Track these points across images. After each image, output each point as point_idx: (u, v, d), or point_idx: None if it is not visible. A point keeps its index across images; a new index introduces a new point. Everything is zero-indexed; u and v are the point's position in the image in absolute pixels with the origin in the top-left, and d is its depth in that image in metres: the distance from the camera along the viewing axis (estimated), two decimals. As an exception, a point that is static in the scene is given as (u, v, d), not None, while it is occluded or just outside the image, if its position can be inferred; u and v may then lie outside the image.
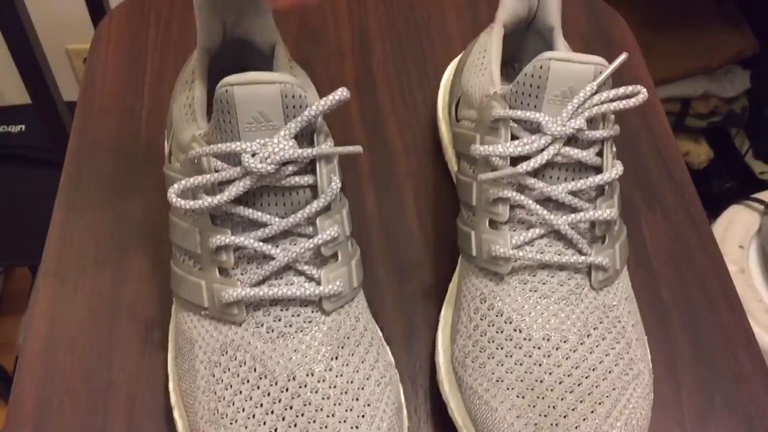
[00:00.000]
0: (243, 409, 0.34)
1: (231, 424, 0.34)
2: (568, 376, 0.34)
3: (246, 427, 0.33)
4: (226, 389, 0.34)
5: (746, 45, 1.12)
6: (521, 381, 0.35)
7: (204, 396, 0.35)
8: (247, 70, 0.35)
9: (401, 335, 0.42)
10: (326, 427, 0.33)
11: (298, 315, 0.35)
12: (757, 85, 1.16)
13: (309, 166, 0.36)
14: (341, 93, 0.34)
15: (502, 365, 0.35)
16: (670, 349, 0.43)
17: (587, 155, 0.36)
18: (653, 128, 0.54)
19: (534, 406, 0.34)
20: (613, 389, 0.34)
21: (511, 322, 0.36)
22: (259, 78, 0.34)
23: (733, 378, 0.42)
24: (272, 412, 0.33)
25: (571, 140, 0.36)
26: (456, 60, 0.52)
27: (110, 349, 0.41)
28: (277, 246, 0.35)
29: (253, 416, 0.33)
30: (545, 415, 0.34)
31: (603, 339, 0.36)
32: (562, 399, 0.34)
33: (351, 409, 0.34)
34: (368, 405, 0.34)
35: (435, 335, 0.41)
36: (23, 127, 1.05)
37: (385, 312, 0.43)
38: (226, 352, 0.35)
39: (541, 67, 0.35)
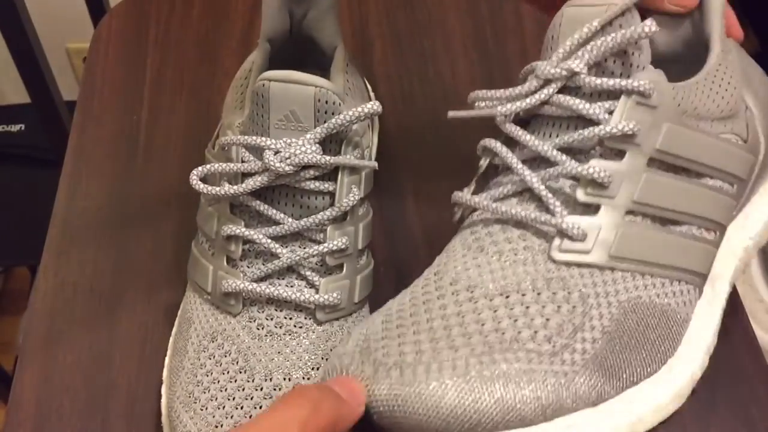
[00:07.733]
0: (216, 398, 0.34)
1: (201, 410, 0.34)
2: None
3: (213, 416, 0.34)
4: (206, 375, 0.35)
5: (746, 44, 1.12)
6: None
7: (185, 377, 0.36)
8: (306, 68, 0.35)
9: (401, 335, 0.42)
10: None
11: (291, 318, 0.36)
12: (757, 84, 1.16)
13: (332, 174, 0.36)
14: (372, 106, 0.34)
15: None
16: (671, 350, 0.43)
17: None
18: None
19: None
20: None
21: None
22: (296, 78, 0.34)
23: (734, 378, 0.42)
24: (241, 408, 0.34)
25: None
26: None
27: (110, 349, 0.41)
28: (286, 246, 0.36)
29: (223, 407, 0.34)
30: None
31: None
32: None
33: None
34: None
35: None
36: (23, 126, 1.05)
37: (385, 312, 0.43)
38: (216, 339, 0.36)
39: None
